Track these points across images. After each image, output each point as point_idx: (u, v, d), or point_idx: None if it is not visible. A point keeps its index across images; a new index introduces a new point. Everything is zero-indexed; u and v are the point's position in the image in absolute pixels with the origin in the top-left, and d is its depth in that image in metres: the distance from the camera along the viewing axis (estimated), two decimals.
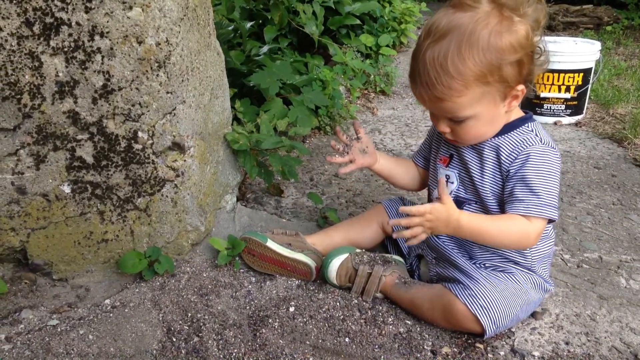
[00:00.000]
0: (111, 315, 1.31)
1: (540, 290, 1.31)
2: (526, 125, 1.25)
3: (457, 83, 1.12)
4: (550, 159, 1.20)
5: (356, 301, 1.36)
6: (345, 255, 1.39)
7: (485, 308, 1.19)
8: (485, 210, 1.29)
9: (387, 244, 1.58)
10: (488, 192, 1.28)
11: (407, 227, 1.18)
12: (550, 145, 1.21)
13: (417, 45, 1.19)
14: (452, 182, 1.35)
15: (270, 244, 1.43)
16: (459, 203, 1.32)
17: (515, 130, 1.24)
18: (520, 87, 1.17)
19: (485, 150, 1.26)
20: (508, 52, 1.11)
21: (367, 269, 1.36)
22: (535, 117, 2.79)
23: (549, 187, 1.19)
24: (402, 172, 1.52)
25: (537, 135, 1.22)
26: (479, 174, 1.28)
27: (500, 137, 1.25)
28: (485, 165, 1.27)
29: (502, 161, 1.24)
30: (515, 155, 1.22)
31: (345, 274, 1.38)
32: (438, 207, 1.16)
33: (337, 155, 1.43)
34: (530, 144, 1.21)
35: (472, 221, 1.21)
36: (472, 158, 1.30)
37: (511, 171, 1.22)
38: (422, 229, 1.17)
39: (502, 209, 1.26)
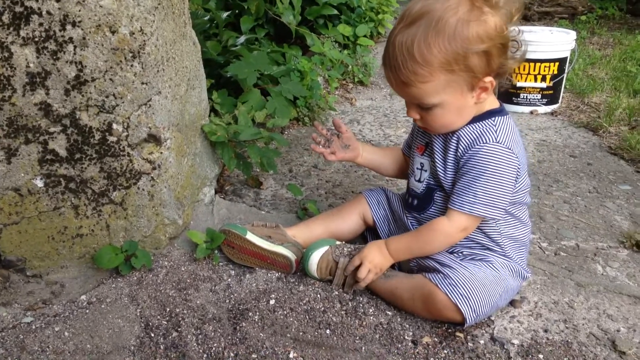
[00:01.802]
0: (87, 311, 1.28)
1: (518, 278, 1.32)
2: (492, 119, 1.24)
3: (422, 69, 1.13)
4: (499, 158, 1.20)
5: (337, 293, 1.36)
6: (325, 248, 1.38)
7: (465, 297, 1.19)
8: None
9: (367, 234, 1.57)
10: (449, 181, 1.29)
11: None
12: (505, 144, 1.21)
13: (392, 29, 1.20)
14: (426, 170, 1.36)
15: (250, 236, 1.42)
16: (431, 190, 1.34)
17: (479, 122, 1.24)
18: (488, 79, 1.18)
19: (451, 140, 1.27)
20: (474, 42, 1.12)
21: (348, 261, 1.35)
22: (511, 106, 2.83)
23: (488, 187, 1.20)
24: (389, 163, 1.55)
25: (496, 132, 1.22)
26: (441, 163, 1.30)
27: (464, 127, 1.25)
28: (447, 154, 1.28)
29: (459, 152, 1.25)
30: (469, 149, 1.23)
31: (326, 267, 1.37)
32: (365, 249, 1.34)
33: (320, 146, 1.47)
34: (485, 141, 1.21)
35: (398, 245, 1.33)
36: (438, 147, 1.31)
37: (461, 163, 1.24)
38: (371, 277, 1.32)
39: None
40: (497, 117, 1.25)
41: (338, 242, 1.41)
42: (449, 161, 1.28)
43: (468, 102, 1.21)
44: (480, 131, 1.23)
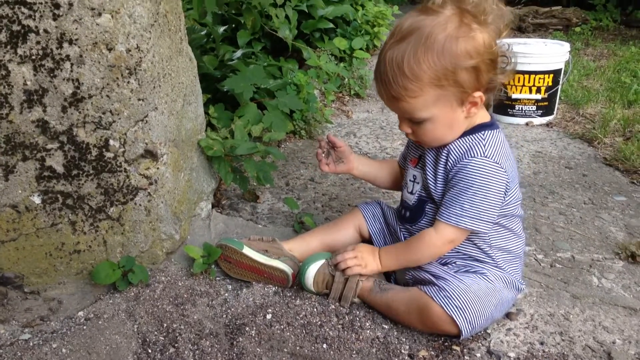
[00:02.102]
0: (85, 327, 1.28)
1: (513, 289, 1.32)
2: (482, 132, 1.26)
3: (412, 84, 1.16)
4: (486, 172, 1.21)
5: (333, 307, 1.36)
6: (321, 262, 1.38)
7: (460, 309, 1.20)
8: None
9: None
10: (440, 194, 1.30)
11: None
12: (493, 158, 1.22)
13: (383, 44, 1.23)
14: (418, 183, 1.38)
15: (247, 250, 1.42)
16: (422, 202, 1.36)
17: (469, 136, 1.26)
18: (478, 93, 1.20)
19: (441, 153, 1.29)
20: (463, 58, 1.14)
21: (344, 275, 1.36)
22: (507, 118, 2.85)
23: (475, 201, 1.22)
24: (384, 175, 1.58)
25: (484, 146, 1.23)
26: (432, 175, 1.32)
27: (454, 141, 1.27)
28: (438, 167, 1.30)
29: (448, 166, 1.27)
30: (458, 162, 1.24)
31: (322, 281, 1.37)
32: (361, 245, 1.41)
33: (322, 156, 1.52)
34: (472, 155, 1.23)
35: (388, 253, 1.36)
36: (430, 161, 1.33)
37: (449, 176, 1.26)
38: (354, 262, 1.35)
39: None
40: (487, 131, 1.26)
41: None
42: (439, 174, 1.29)
43: (458, 116, 1.23)
44: (470, 145, 1.25)
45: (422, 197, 1.36)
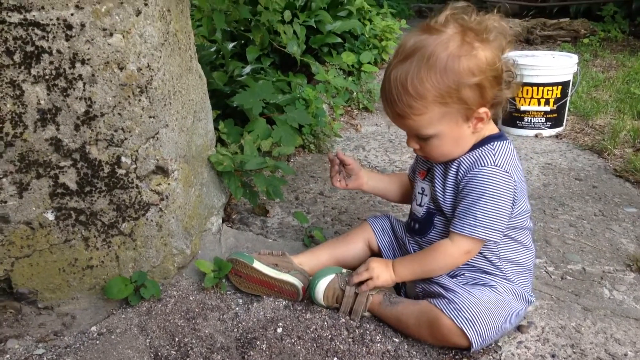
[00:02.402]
0: (98, 342, 1.30)
1: (523, 301, 1.32)
2: (491, 144, 1.27)
3: (417, 102, 1.18)
4: (496, 181, 1.22)
5: (344, 320, 1.36)
6: (331, 276, 1.39)
7: (470, 321, 1.20)
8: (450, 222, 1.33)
9: None
10: (449, 206, 1.32)
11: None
12: (503, 168, 1.23)
13: (388, 63, 1.25)
14: (426, 195, 1.39)
15: (257, 264, 1.44)
16: (431, 215, 1.37)
17: (478, 149, 1.27)
18: (483, 109, 1.21)
19: (450, 167, 1.30)
20: (465, 76, 1.16)
21: (354, 289, 1.36)
22: (516, 130, 2.85)
23: (487, 210, 1.22)
24: (394, 189, 1.59)
25: (494, 156, 1.24)
26: (441, 189, 1.33)
27: (464, 154, 1.28)
28: (447, 180, 1.31)
29: (459, 177, 1.28)
30: (467, 173, 1.26)
31: (333, 295, 1.38)
32: (372, 259, 1.39)
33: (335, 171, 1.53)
34: (482, 165, 1.24)
35: (402, 265, 1.36)
36: (438, 173, 1.34)
37: (460, 187, 1.27)
38: (366, 275, 1.35)
39: None
40: (495, 142, 1.27)
41: (344, 270, 1.42)
42: (448, 186, 1.30)
43: (464, 132, 1.24)
44: (479, 155, 1.26)
45: (430, 209, 1.37)
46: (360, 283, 1.36)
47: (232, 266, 1.46)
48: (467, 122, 1.23)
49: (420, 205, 1.40)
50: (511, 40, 1.22)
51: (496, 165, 1.23)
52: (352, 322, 1.36)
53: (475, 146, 1.28)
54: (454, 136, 1.24)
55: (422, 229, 1.40)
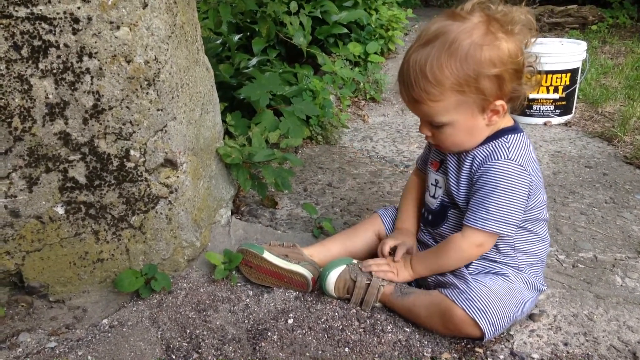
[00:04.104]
0: (109, 335, 1.30)
1: (533, 290, 1.32)
2: (505, 137, 1.25)
3: (434, 88, 1.16)
4: (510, 174, 1.21)
5: (354, 311, 1.36)
6: (342, 267, 1.39)
7: (482, 311, 1.20)
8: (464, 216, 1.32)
9: None
10: (463, 200, 1.30)
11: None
12: (517, 161, 1.22)
13: (409, 47, 1.23)
14: (440, 187, 1.38)
15: (267, 255, 1.44)
16: (445, 207, 1.36)
17: (492, 141, 1.26)
18: (500, 102, 1.19)
19: (464, 159, 1.29)
20: (486, 66, 1.14)
21: (365, 279, 1.36)
22: (525, 118, 2.83)
23: (500, 203, 1.21)
24: (420, 204, 1.52)
25: (507, 149, 1.23)
26: (455, 182, 1.32)
27: (478, 147, 1.27)
28: (461, 173, 1.29)
29: (473, 170, 1.27)
30: (481, 166, 1.24)
31: (344, 286, 1.38)
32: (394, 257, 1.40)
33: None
34: (496, 158, 1.23)
35: (419, 260, 1.37)
36: (453, 166, 1.33)
37: (474, 180, 1.26)
38: (386, 268, 1.37)
39: None
40: (510, 135, 1.26)
41: (355, 261, 1.42)
42: (462, 179, 1.29)
43: (479, 123, 1.23)
44: (493, 148, 1.25)
45: (444, 202, 1.36)
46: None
47: (243, 257, 1.46)
48: (483, 114, 1.21)
49: (434, 197, 1.39)
50: (536, 34, 1.20)
51: (510, 159, 1.22)
52: (363, 312, 1.36)
53: (489, 138, 1.26)
54: (468, 126, 1.23)
55: (435, 220, 1.39)
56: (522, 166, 1.22)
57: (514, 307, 1.24)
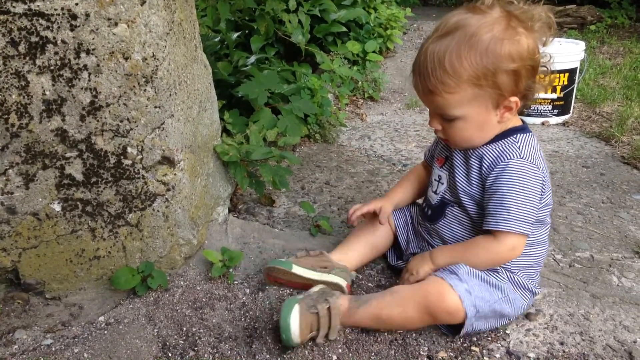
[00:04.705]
0: (105, 332, 1.30)
1: (524, 291, 1.31)
2: (514, 136, 1.25)
3: (450, 79, 1.15)
4: (525, 173, 1.21)
5: None
6: (296, 306, 1.21)
7: (467, 291, 1.20)
8: (467, 213, 1.32)
9: (388, 253, 1.56)
10: (466, 197, 1.30)
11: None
12: (529, 160, 1.22)
13: (425, 39, 1.22)
14: (442, 183, 1.37)
15: (296, 269, 1.39)
16: (444, 204, 1.36)
17: (501, 140, 1.25)
18: (514, 98, 1.19)
19: (472, 157, 1.28)
20: (505, 60, 1.14)
21: (325, 305, 1.24)
22: (523, 118, 2.82)
23: (520, 202, 1.20)
24: (416, 189, 1.56)
25: (518, 149, 1.23)
26: (464, 180, 1.31)
27: (486, 145, 1.26)
28: (471, 172, 1.29)
29: (483, 170, 1.26)
30: (494, 167, 1.24)
31: (307, 325, 1.21)
32: (410, 262, 1.38)
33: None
34: (509, 157, 1.22)
35: (442, 253, 1.32)
36: (460, 164, 1.32)
37: (487, 182, 1.25)
38: (408, 275, 1.35)
39: (480, 212, 1.29)
40: (519, 134, 1.25)
41: (300, 296, 1.28)
42: (472, 179, 1.29)
43: (491, 119, 1.22)
44: (503, 148, 1.24)
45: (445, 198, 1.36)
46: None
47: (270, 274, 1.41)
48: (496, 110, 1.20)
49: (435, 192, 1.39)
50: (555, 33, 1.20)
51: (522, 158, 1.21)
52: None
53: (498, 137, 1.26)
54: (480, 121, 1.22)
55: (433, 216, 1.39)
56: (534, 164, 1.21)
57: (497, 298, 1.24)
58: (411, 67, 1.25)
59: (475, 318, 1.21)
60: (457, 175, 1.32)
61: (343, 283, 1.40)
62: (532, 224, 1.23)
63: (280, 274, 1.41)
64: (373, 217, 1.51)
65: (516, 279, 1.30)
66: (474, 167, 1.28)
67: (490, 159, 1.25)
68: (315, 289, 1.32)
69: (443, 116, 1.23)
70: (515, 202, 1.20)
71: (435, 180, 1.40)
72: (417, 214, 1.51)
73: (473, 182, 1.29)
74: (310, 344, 1.25)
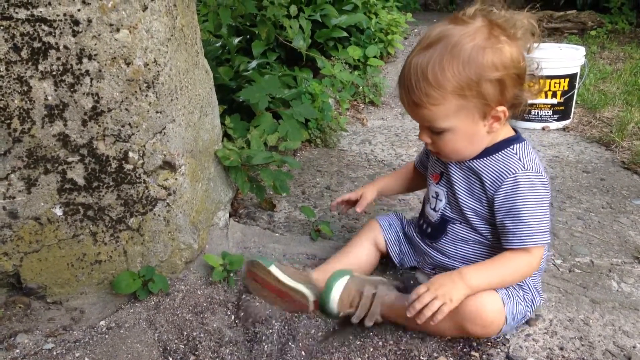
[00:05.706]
0: (107, 336, 1.30)
1: (532, 292, 1.31)
2: (510, 147, 1.24)
3: (434, 91, 1.14)
4: (534, 184, 1.20)
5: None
6: (346, 278, 1.31)
7: (509, 297, 1.24)
8: (471, 228, 1.31)
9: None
10: (471, 213, 1.29)
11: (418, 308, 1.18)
12: (533, 169, 1.21)
13: (410, 51, 1.22)
14: (441, 200, 1.36)
15: (273, 269, 1.38)
16: (445, 222, 1.34)
17: (498, 153, 1.24)
18: (501, 108, 1.17)
19: (470, 172, 1.27)
20: (488, 69, 1.12)
21: (372, 289, 1.29)
22: (523, 123, 2.84)
23: (537, 214, 1.19)
24: (405, 183, 1.62)
25: (520, 160, 1.22)
26: (465, 196, 1.29)
27: (482, 159, 1.25)
28: (472, 188, 1.28)
29: (487, 187, 1.24)
30: (499, 184, 1.22)
31: (348, 299, 1.29)
32: (435, 277, 1.22)
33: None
34: (513, 172, 1.21)
35: (478, 274, 1.20)
36: (459, 179, 1.30)
37: (497, 200, 1.22)
38: (437, 301, 1.15)
39: (488, 227, 1.28)
40: (515, 145, 1.24)
41: (355, 273, 1.36)
42: (475, 195, 1.28)
43: (480, 130, 1.21)
44: (503, 163, 1.23)
45: (445, 216, 1.34)
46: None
47: (250, 269, 1.40)
48: (484, 120, 1.19)
49: (434, 210, 1.37)
50: (538, 40, 1.19)
51: (526, 169, 1.21)
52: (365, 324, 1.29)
53: (493, 150, 1.24)
54: (468, 133, 1.20)
55: (434, 233, 1.38)
56: (539, 172, 1.21)
57: (518, 309, 1.26)
58: (397, 81, 1.24)
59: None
60: (457, 192, 1.30)
61: (311, 297, 1.36)
62: (549, 232, 1.22)
63: (258, 271, 1.38)
64: (359, 236, 1.54)
65: (527, 281, 1.30)
66: (475, 183, 1.27)
67: (493, 175, 1.23)
68: (376, 277, 1.36)
69: (431, 129, 1.22)
70: (534, 216, 1.19)
71: (432, 197, 1.38)
72: (412, 231, 1.47)
73: (476, 198, 1.27)
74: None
